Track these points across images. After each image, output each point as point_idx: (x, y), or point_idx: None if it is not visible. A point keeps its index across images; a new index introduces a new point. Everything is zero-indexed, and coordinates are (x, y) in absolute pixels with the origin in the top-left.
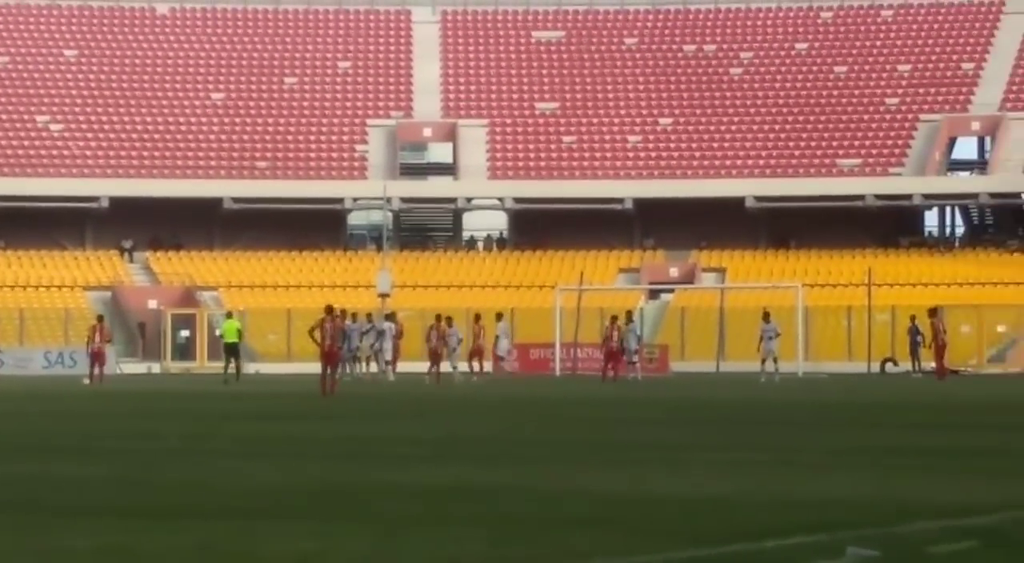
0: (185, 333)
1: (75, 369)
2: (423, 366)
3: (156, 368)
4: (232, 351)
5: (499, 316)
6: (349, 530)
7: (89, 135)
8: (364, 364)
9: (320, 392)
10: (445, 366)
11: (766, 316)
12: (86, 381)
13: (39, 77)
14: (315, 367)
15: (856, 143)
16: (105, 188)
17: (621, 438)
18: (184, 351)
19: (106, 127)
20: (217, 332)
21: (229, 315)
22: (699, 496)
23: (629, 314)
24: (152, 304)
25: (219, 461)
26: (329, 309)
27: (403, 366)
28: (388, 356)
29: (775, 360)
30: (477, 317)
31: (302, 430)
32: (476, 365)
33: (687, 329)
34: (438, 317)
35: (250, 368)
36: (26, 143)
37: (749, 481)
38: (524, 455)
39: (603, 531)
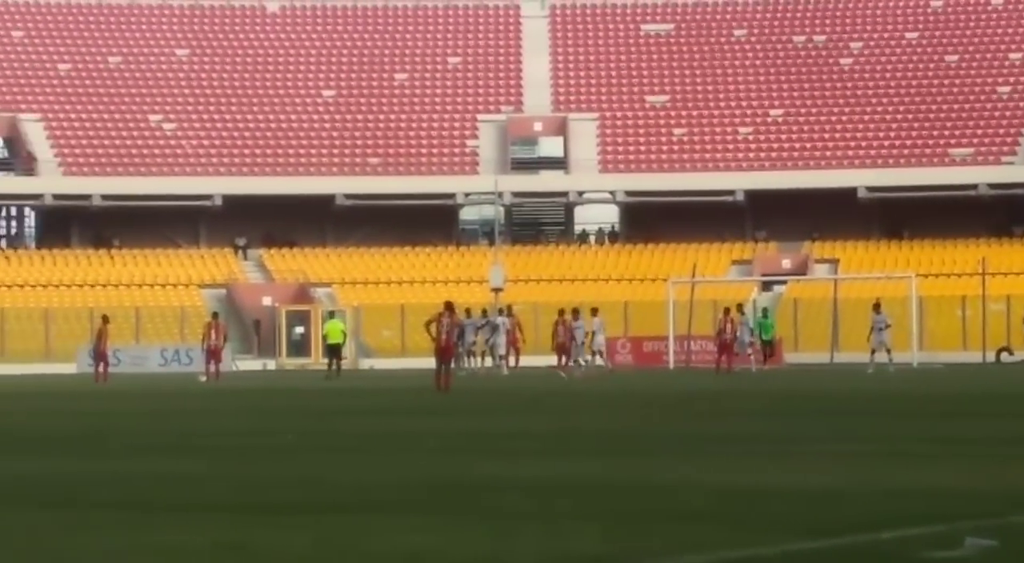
0: (300, 330)
1: (191, 366)
2: (540, 360)
3: (271, 365)
4: (335, 351)
5: (594, 311)
6: (464, 525)
7: (202, 133)
8: (479, 359)
9: (435, 387)
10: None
11: (876, 307)
12: (202, 378)
13: (151, 77)
14: (429, 362)
15: (968, 132)
16: (218, 186)
17: (735, 430)
18: (299, 347)
19: (219, 125)
20: (322, 333)
21: (332, 315)
22: (814, 488)
23: (740, 306)
24: (266, 301)
25: (334, 457)
26: (448, 305)
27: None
28: (501, 351)
29: (888, 351)
30: (561, 312)
31: (417, 425)
32: (564, 360)
33: (800, 320)
34: (561, 311)
35: (364, 364)
36: (139, 142)
37: (863, 472)
38: (637, 448)
39: (717, 524)
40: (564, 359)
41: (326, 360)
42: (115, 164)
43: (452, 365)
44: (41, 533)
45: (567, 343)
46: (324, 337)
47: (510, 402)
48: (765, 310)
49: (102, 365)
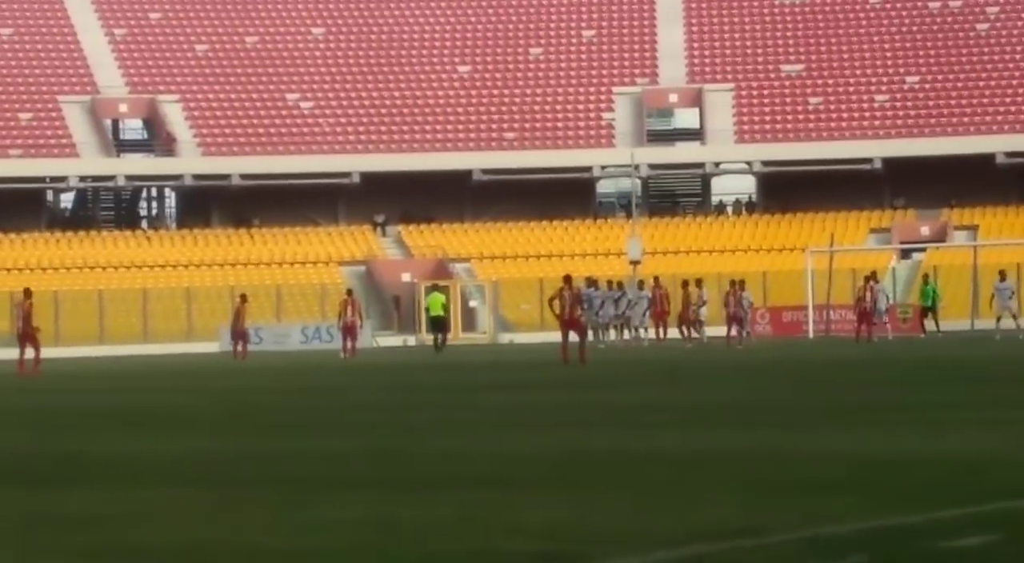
0: None
1: (332, 344)
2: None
3: (411, 340)
4: (438, 325)
5: (699, 282)
6: (603, 497)
7: (339, 112)
8: (617, 331)
9: (561, 360)
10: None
11: (1002, 275)
12: (343, 355)
13: (288, 56)
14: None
15: None
16: (356, 164)
17: (875, 399)
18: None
19: (356, 103)
20: (424, 305)
21: (435, 288)
22: (956, 456)
23: (875, 275)
24: (406, 277)
25: (475, 431)
26: (567, 278)
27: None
28: (637, 322)
29: (1014, 317)
30: (685, 283)
31: (556, 399)
32: (685, 331)
33: (939, 288)
34: (732, 282)
35: (503, 338)
36: (277, 121)
37: (1006, 439)
38: (777, 419)
39: (859, 494)
40: (738, 329)
41: (432, 335)
42: (253, 144)
43: (588, 338)
44: (189, 511)
45: (738, 313)
46: (426, 310)
47: (648, 374)
48: (926, 277)
49: (241, 343)
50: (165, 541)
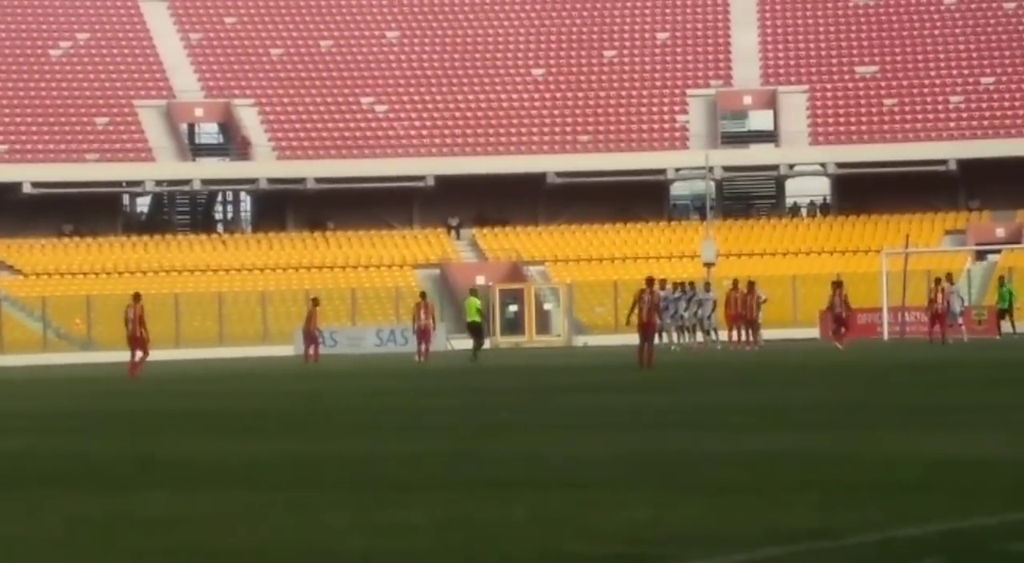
0: (513, 308)
1: (406, 347)
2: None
3: (486, 344)
4: (474, 330)
5: (707, 286)
6: (680, 499)
7: (413, 115)
8: (690, 333)
9: (638, 364)
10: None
11: None
12: (417, 358)
13: (363, 59)
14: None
15: None
16: (430, 167)
17: (951, 401)
18: (513, 326)
19: (429, 106)
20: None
21: (473, 292)
22: None
23: (949, 276)
24: (480, 280)
25: (550, 433)
26: (649, 281)
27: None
28: (706, 324)
29: None
30: (834, 284)
31: (630, 401)
32: (739, 334)
33: (1015, 289)
34: (835, 283)
35: (578, 341)
36: (352, 125)
37: None
38: (853, 421)
39: (937, 495)
40: (843, 329)
41: (472, 340)
42: (328, 147)
43: (655, 341)
44: (268, 513)
45: (842, 313)
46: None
47: (721, 376)
48: (1003, 279)
49: (312, 346)
50: (244, 544)
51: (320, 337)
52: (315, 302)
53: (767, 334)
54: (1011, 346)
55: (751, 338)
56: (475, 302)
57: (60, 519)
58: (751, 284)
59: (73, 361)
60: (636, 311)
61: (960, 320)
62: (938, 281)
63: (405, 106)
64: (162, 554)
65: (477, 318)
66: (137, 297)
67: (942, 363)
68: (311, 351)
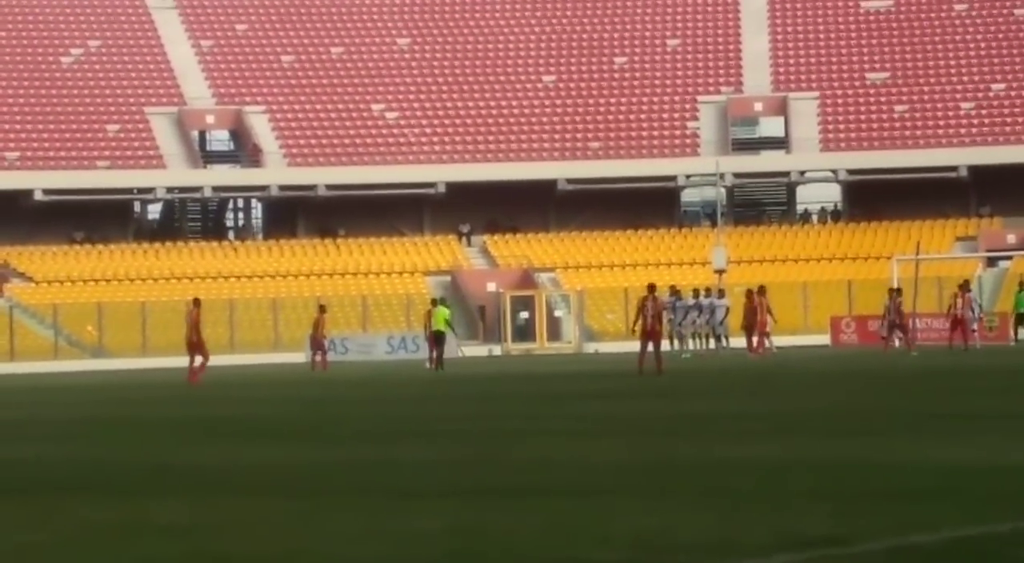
0: (524, 315)
1: (417, 353)
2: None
3: (497, 350)
4: (439, 339)
5: (721, 292)
6: (691, 506)
7: (424, 122)
8: (703, 340)
9: (638, 370)
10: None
11: None
12: (428, 365)
13: (373, 66)
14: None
15: None
16: (441, 174)
17: (963, 408)
18: (524, 332)
19: (440, 113)
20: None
21: (440, 301)
22: None
23: (967, 283)
24: (491, 287)
25: (561, 440)
26: (650, 288)
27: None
28: (719, 331)
29: None
30: (891, 290)
31: (640, 408)
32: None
33: None
34: (892, 289)
35: (589, 347)
36: (363, 132)
37: None
38: (864, 427)
39: (949, 502)
40: (904, 335)
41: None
42: (339, 154)
43: (662, 347)
44: (278, 520)
45: (904, 321)
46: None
47: (730, 383)
48: (1022, 284)
49: (320, 354)
50: (255, 551)
51: (328, 344)
52: (322, 309)
53: (777, 341)
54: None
55: (771, 344)
56: (444, 312)
57: (74, 525)
58: (762, 289)
59: (84, 368)
60: (639, 319)
61: (975, 326)
62: (960, 288)
63: (416, 113)
64: (176, 561)
65: (444, 328)
66: (196, 303)
67: (956, 369)
68: (318, 358)
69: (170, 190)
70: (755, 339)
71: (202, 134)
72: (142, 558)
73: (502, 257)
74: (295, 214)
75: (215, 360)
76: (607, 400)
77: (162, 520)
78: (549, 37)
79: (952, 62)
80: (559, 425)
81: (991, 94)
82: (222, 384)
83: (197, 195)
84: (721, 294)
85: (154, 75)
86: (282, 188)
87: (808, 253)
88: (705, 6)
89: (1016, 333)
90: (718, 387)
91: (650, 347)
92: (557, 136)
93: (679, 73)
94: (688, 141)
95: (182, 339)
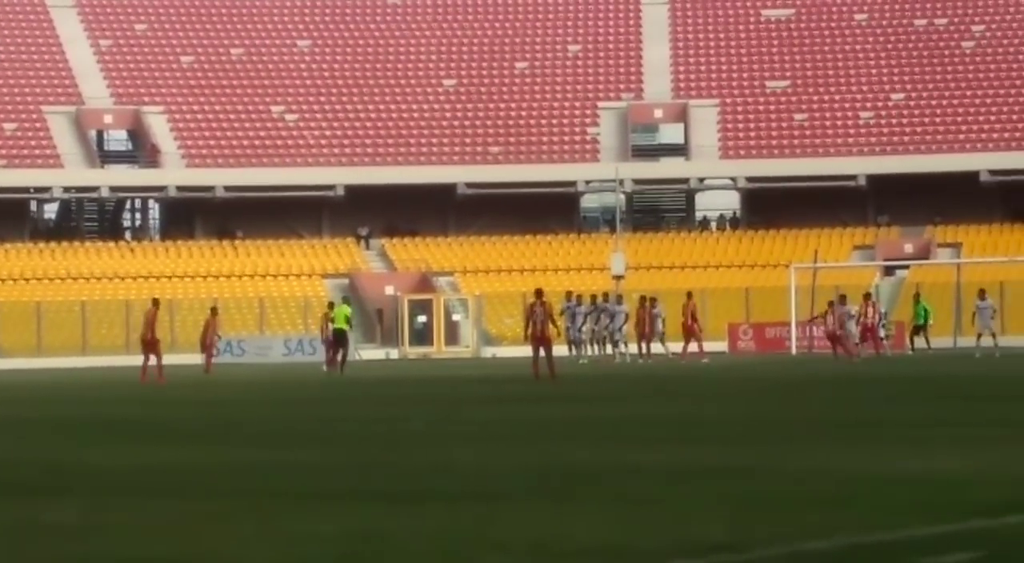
0: (422, 319)
1: (315, 356)
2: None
3: (394, 354)
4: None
5: (653, 300)
6: (590, 512)
7: (323, 124)
8: (600, 345)
9: (532, 375)
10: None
11: (982, 293)
12: (326, 368)
13: (273, 68)
14: (562, 352)
15: None
16: (340, 176)
17: (860, 416)
18: (422, 336)
19: (340, 116)
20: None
21: (344, 300)
22: (940, 473)
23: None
24: (389, 290)
25: (460, 444)
26: (538, 293)
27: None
28: (617, 337)
29: (993, 335)
30: (643, 300)
31: (540, 413)
32: (644, 347)
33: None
34: (867, 295)
35: (486, 352)
36: (262, 133)
37: (989, 457)
38: (762, 434)
39: (845, 509)
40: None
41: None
42: (238, 155)
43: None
44: (172, 522)
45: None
46: (331, 321)
47: (629, 389)
48: (918, 295)
49: (207, 356)
50: (148, 553)
51: (217, 348)
52: (214, 312)
53: (673, 347)
54: (917, 362)
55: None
56: (345, 309)
57: None
58: (652, 299)
59: None
60: (529, 324)
61: (882, 334)
62: (867, 296)
63: (315, 115)
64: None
65: (344, 326)
66: (156, 302)
67: (852, 378)
68: (204, 361)
69: (67, 190)
70: (691, 346)
71: (100, 134)
72: (33, 560)
73: (400, 260)
74: (193, 215)
75: (111, 360)
76: (504, 405)
77: (56, 521)
78: (450, 41)
79: (852, 71)
80: (455, 429)
81: (890, 103)
82: (115, 384)
83: (94, 195)
84: (619, 300)
85: (52, 74)
86: (180, 189)
87: (706, 260)
88: (607, 12)
89: (912, 343)
90: (615, 393)
91: (542, 352)
92: (457, 140)
93: (580, 79)
94: (588, 147)
95: (78, 339)
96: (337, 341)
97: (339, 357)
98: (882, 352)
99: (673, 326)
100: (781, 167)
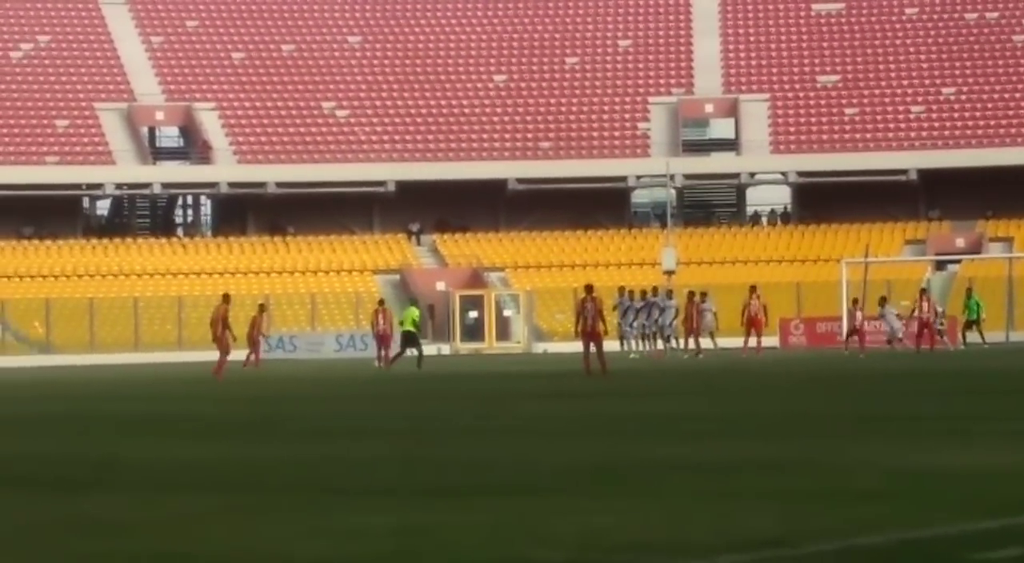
0: (473, 314)
1: (366, 352)
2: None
3: (446, 349)
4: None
5: (703, 295)
6: (638, 506)
7: (375, 120)
8: (650, 340)
9: (584, 371)
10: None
11: None
12: (377, 363)
13: (324, 64)
14: (613, 347)
15: None
16: (391, 172)
17: (910, 410)
18: (473, 332)
19: (391, 112)
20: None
21: (413, 303)
22: (991, 467)
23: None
24: (440, 286)
25: (509, 439)
26: (588, 288)
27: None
28: (668, 332)
29: None
30: (691, 295)
31: (589, 408)
32: (692, 342)
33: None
34: (923, 290)
35: (537, 348)
36: (313, 130)
37: None
38: (812, 429)
39: (894, 504)
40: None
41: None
42: (289, 152)
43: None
44: (224, 517)
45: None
46: (400, 324)
47: (679, 384)
48: (969, 290)
49: (253, 352)
50: (201, 548)
51: (265, 343)
52: (261, 308)
53: (724, 342)
54: (976, 356)
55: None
56: (414, 312)
57: (12, 522)
58: (703, 294)
59: (31, 364)
60: (579, 320)
61: (901, 335)
62: (923, 291)
63: (366, 111)
64: (118, 559)
65: (412, 328)
66: (226, 298)
67: (900, 372)
68: (251, 357)
69: (119, 186)
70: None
71: (152, 130)
72: (85, 556)
73: (451, 256)
74: (244, 211)
75: (163, 357)
76: (555, 400)
77: (107, 517)
78: (500, 36)
79: (903, 65)
80: (505, 423)
81: (941, 98)
82: (167, 380)
83: (146, 191)
84: (669, 295)
85: (104, 71)
86: (231, 185)
87: (757, 255)
88: (657, 7)
89: (965, 338)
90: (666, 388)
91: (593, 348)
92: (508, 136)
93: (630, 74)
94: (639, 142)
95: (131, 336)
96: (407, 342)
97: (405, 354)
98: (937, 347)
99: (729, 320)
100: (832, 162)
